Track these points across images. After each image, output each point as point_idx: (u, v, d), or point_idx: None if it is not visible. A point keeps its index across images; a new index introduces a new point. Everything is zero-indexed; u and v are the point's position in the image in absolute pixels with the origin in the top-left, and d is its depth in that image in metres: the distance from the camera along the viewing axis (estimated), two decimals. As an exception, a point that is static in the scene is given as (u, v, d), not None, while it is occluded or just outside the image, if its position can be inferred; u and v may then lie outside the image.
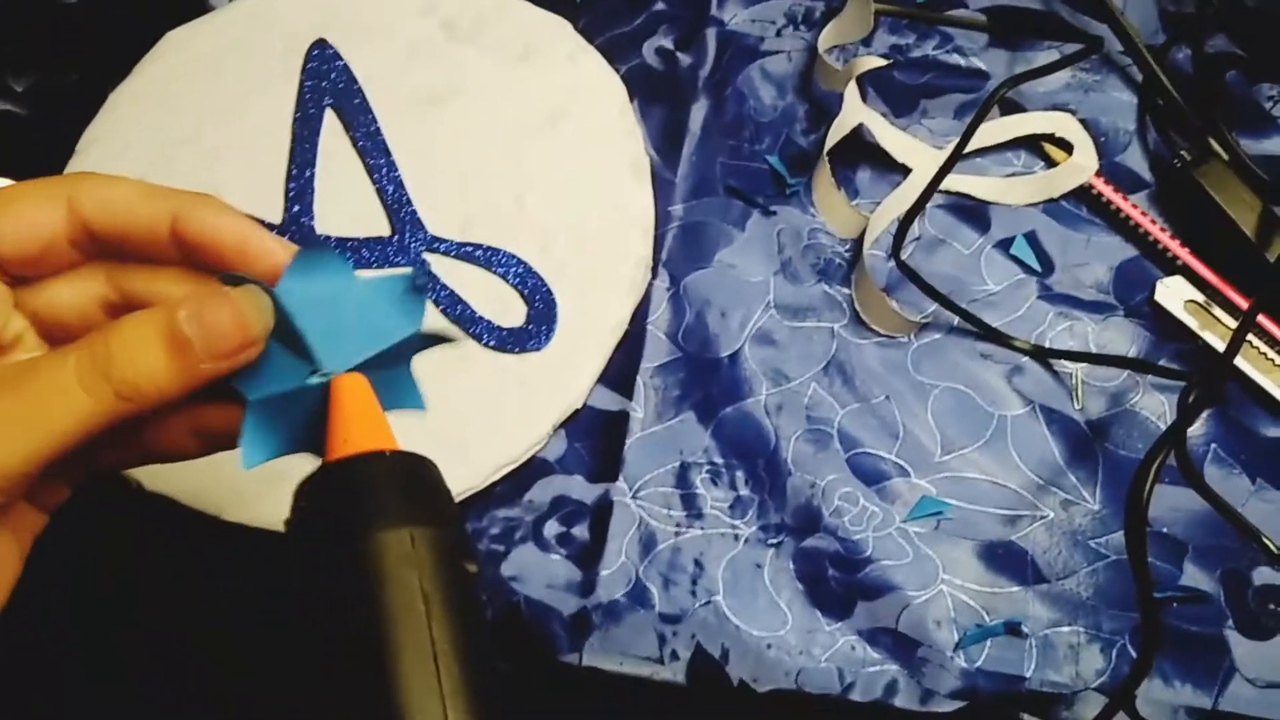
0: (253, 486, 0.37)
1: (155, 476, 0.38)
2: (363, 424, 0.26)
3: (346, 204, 0.42)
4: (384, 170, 0.42)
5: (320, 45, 0.44)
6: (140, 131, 0.43)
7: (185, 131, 0.43)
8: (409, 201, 0.42)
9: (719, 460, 0.39)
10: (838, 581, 0.37)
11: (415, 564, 0.24)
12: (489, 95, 0.43)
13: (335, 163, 0.42)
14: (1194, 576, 0.37)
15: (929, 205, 0.42)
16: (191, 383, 0.25)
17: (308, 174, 0.42)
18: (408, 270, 0.28)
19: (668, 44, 0.45)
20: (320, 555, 0.24)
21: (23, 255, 0.26)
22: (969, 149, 0.43)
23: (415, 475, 0.26)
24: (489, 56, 0.44)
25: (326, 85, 0.43)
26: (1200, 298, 0.41)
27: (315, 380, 0.27)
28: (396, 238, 0.41)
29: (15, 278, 0.27)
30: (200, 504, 0.38)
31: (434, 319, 0.40)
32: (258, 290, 0.26)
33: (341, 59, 0.44)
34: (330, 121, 0.43)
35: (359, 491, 0.25)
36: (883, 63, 0.41)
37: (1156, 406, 0.40)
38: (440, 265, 0.41)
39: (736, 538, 0.38)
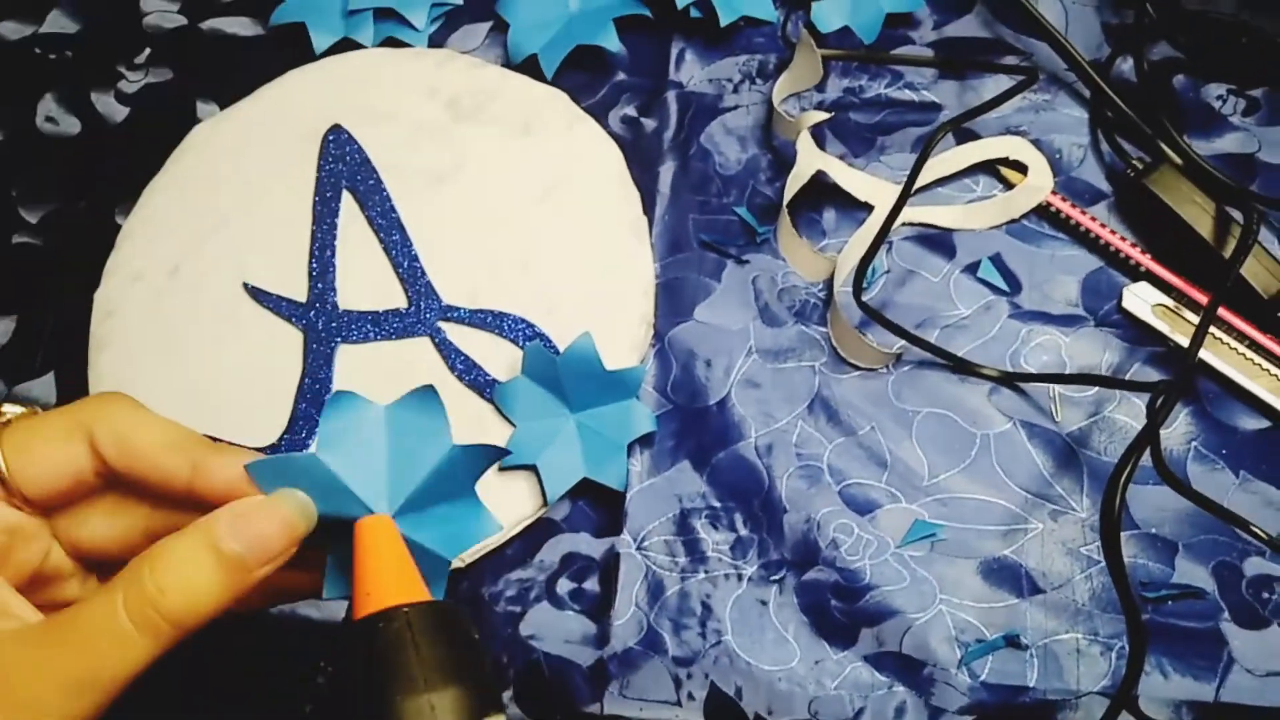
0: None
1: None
2: (385, 574, 0.27)
3: (366, 279, 0.44)
4: (399, 245, 0.45)
5: (335, 130, 0.47)
6: (172, 221, 0.46)
7: (214, 219, 0.46)
8: (423, 273, 0.44)
9: (716, 504, 0.41)
10: (840, 611, 0.39)
11: None
12: (494, 168, 0.46)
13: (353, 240, 0.45)
14: (1187, 573, 0.38)
15: (895, 238, 0.44)
16: (245, 591, 0.26)
17: (328, 253, 0.45)
18: (418, 388, 0.30)
19: (631, 111, 0.47)
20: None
21: (51, 492, 0.27)
22: (928, 180, 0.45)
23: (436, 628, 0.26)
24: (492, 132, 0.46)
25: (343, 168, 0.46)
26: (1168, 301, 0.42)
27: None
28: (413, 308, 0.44)
29: (50, 510, 0.27)
30: None
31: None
32: (291, 492, 0.27)
33: (356, 142, 0.46)
34: (347, 202, 0.46)
35: (380, 655, 0.25)
36: (826, 116, 0.43)
37: (1135, 412, 0.41)
38: (454, 332, 0.43)
39: (740, 577, 0.40)
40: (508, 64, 0.49)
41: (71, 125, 0.49)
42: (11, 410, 0.29)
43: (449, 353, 0.43)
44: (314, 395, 0.42)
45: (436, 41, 0.50)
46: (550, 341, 0.42)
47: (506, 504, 0.41)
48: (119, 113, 0.50)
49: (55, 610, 0.25)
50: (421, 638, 0.25)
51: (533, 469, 0.41)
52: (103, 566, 0.28)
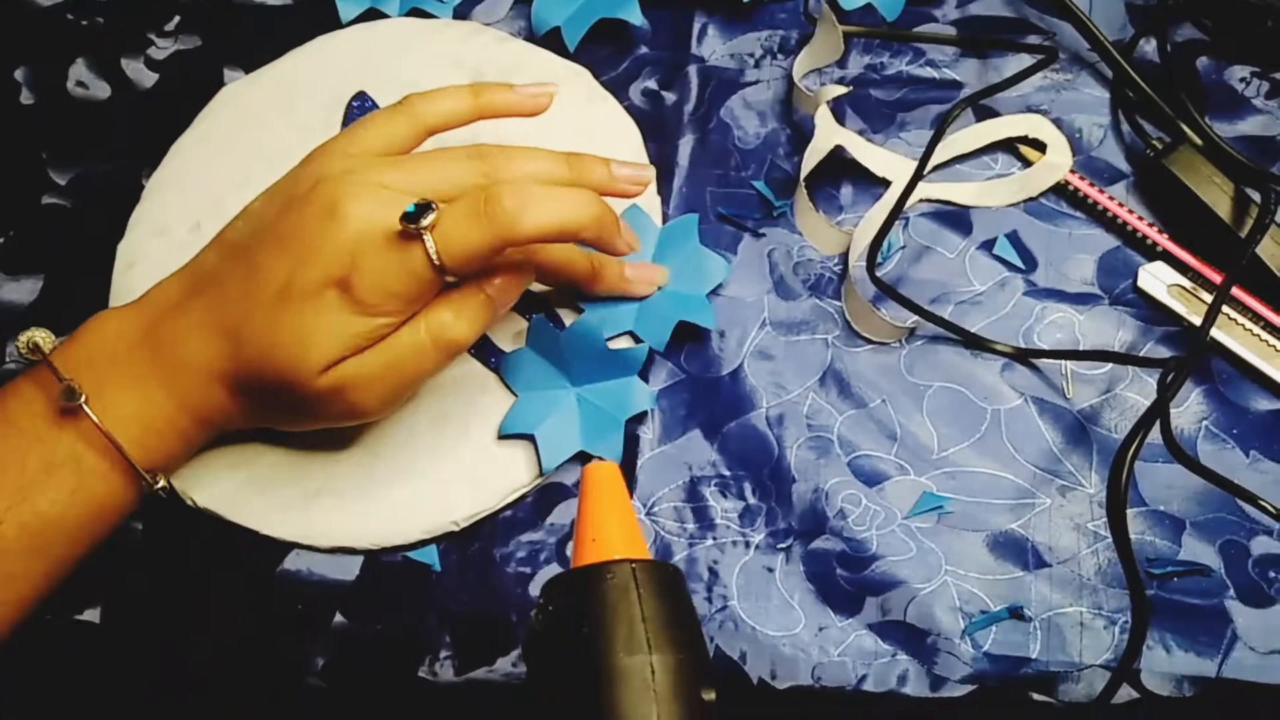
0: (290, 505, 0.41)
1: (206, 494, 0.41)
2: (612, 524, 0.27)
3: None
4: (414, 213, 0.45)
5: (360, 97, 0.47)
6: (197, 177, 0.47)
7: (236, 177, 0.46)
8: None
9: (726, 473, 0.41)
10: (846, 580, 0.39)
11: (653, 696, 0.24)
12: (514, 141, 0.46)
13: None
14: (1194, 550, 0.39)
15: (912, 214, 0.44)
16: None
17: None
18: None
19: (652, 85, 0.48)
20: (562, 665, 0.25)
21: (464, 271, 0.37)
22: (948, 157, 0.45)
23: (661, 591, 0.26)
24: None
25: None
26: (1184, 281, 0.42)
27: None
28: None
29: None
30: (243, 519, 0.41)
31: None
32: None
33: (379, 108, 0.47)
34: None
35: (605, 608, 0.25)
36: (844, 90, 0.43)
37: (1147, 391, 0.41)
38: None
39: (747, 545, 0.40)
40: (531, 36, 0.49)
41: (101, 90, 0.50)
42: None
43: None
44: (328, 356, 0.43)
45: (461, 13, 0.50)
46: (556, 315, 0.43)
47: (504, 472, 0.41)
48: (148, 78, 0.50)
49: None
50: (647, 596, 0.26)
51: (531, 439, 0.41)
52: None
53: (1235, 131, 0.45)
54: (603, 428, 0.41)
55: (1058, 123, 0.45)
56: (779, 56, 0.48)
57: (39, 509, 0.36)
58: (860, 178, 0.45)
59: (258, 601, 0.41)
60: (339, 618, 0.40)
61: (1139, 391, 0.41)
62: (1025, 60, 0.46)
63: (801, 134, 0.46)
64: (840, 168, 0.45)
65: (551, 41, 0.49)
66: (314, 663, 0.40)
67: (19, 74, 0.51)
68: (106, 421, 0.36)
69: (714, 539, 0.40)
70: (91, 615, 0.41)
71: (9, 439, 0.36)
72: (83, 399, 0.36)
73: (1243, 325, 0.41)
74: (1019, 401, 0.41)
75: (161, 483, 0.38)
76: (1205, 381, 0.41)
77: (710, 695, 0.25)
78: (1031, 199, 0.44)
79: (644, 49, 0.49)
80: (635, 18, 0.48)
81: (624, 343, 0.42)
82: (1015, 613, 0.38)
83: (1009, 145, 0.45)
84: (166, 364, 0.37)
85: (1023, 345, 0.42)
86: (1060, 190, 0.44)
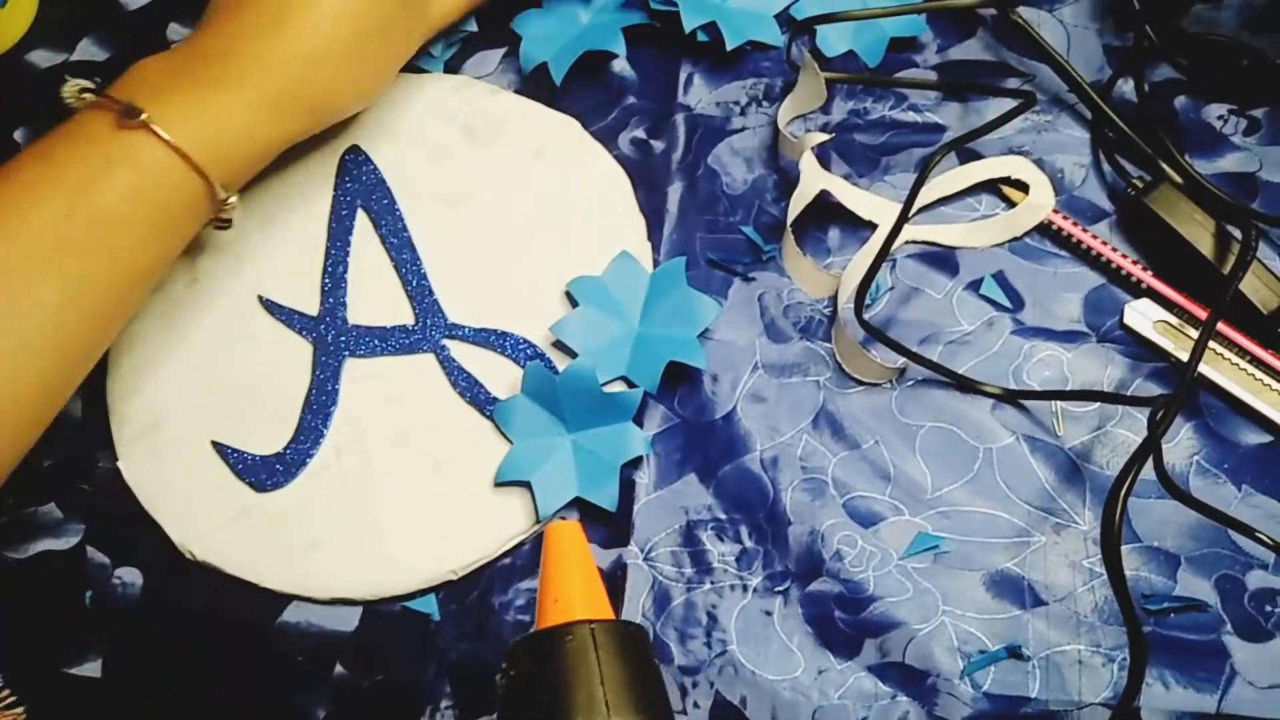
0: (289, 557, 0.42)
1: (205, 546, 0.42)
2: (574, 585, 0.28)
3: (375, 295, 0.46)
4: (409, 264, 0.46)
5: (353, 151, 0.48)
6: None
7: (234, 232, 0.46)
8: (431, 292, 0.45)
9: (722, 516, 0.41)
10: (844, 622, 0.39)
11: None
12: (506, 191, 0.47)
13: (365, 258, 0.46)
14: (1189, 586, 0.39)
15: (899, 256, 0.45)
16: None
17: (341, 269, 0.46)
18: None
19: (641, 134, 0.49)
20: None
21: None
22: (932, 199, 0.46)
23: (621, 652, 0.26)
24: (506, 156, 0.48)
25: (359, 187, 0.47)
26: (1170, 318, 0.43)
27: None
28: (419, 325, 0.45)
29: None
30: (242, 572, 0.42)
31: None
32: None
33: (373, 163, 0.48)
34: (362, 220, 0.47)
35: (564, 671, 0.26)
36: (827, 137, 0.44)
37: (1138, 427, 0.41)
38: (458, 350, 0.44)
39: (745, 588, 0.40)
40: (521, 87, 0.50)
41: (100, 149, 0.51)
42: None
43: (451, 369, 0.44)
44: (320, 406, 0.44)
45: (452, 67, 0.51)
46: (550, 362, 0.43)
47: (501, 520, 0.42)
48: (146, 136, 0.51)
49: None
50: (606, 658, 0.26)
51: (527, 486, 0.41)
52: None
53: (1215, 169, 0.46)
54: (598, 473, 0.41)
55: (1039, 163, 0.46)
56: (764, 104, 0.49)
57: (105, 202, 0.37)
58: (846, 221, 0.46)
59: (258, 653, 0.41)
60: (339, 668, 0.40)
61: (1129, 428, 0.41)
62: (1006, 103, 0.47)
63: (788, 179, 0.47)
64: (827, 212, 0.46)
65: (540, 79, 0.49)
66: (315, 714, 0.40)
67: (19, 134, 0.52)
68: (169, 130, 0.37)
69: (712, 583, 0.40)
70: (92, 669, 0.41)
71: (73, 147, 0.38)
72: (143, 115, 0.37)
73: (1230, 360, 0.41)
74: (1011, 440, 0.42)
75: (233, 198, 0.40)
76: (1195, 417, 0.41)
77: None
78: (1016, 239, 0.45)
79: (632, 99, 0.50)
80: (620, 49, 0.48)
81: (617, 388, 0.43)
82: (1014, 652, 0.38)
83: (992, 186, 0.46)
84: (226, 66, 0.39)
85: (1012, 384, 0.42)
86: (1044, 230, 0.45)
